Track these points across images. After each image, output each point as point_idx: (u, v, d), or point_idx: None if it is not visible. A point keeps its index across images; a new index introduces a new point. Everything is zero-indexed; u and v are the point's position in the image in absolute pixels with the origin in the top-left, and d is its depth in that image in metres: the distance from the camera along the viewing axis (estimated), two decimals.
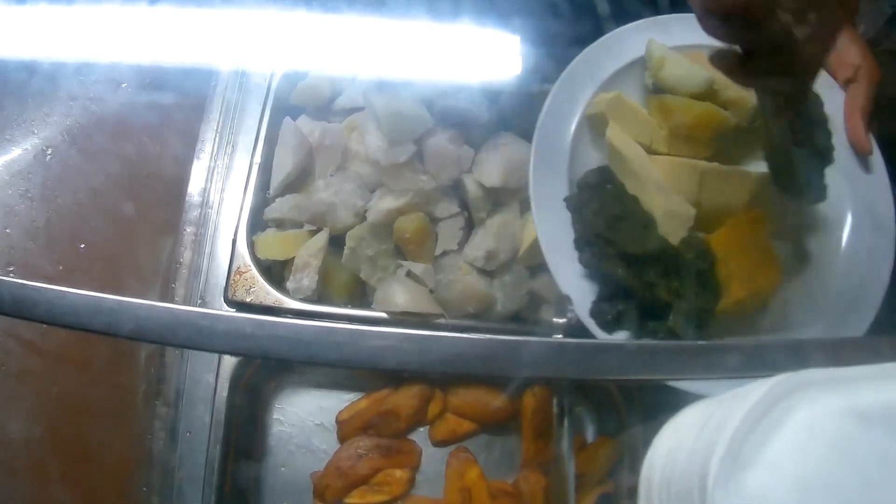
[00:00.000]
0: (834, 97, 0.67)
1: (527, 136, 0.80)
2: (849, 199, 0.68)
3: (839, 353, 0.48)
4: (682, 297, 0.60)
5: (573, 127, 0.67)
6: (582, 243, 0.63)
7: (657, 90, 0.67)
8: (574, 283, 0.63)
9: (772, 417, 0.35)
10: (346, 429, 0.80)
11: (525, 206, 0.80)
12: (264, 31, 0.81)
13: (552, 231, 0.63)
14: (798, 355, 0.49)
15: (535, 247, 0.78)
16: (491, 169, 0.77)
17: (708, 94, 0.64)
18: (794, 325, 0.65)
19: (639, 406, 0.80)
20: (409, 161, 0.77)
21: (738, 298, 0.61)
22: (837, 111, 0.68)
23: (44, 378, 0.76)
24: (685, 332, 0.60)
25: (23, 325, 0.74)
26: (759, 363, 0.48)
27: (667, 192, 0.62)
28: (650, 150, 0.66)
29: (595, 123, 0.68)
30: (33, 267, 0.78)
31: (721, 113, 0.64)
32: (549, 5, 0.83)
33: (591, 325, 0.62)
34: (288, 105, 0.85)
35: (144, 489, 0.82)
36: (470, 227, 0.80)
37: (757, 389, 0.37)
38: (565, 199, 0.64)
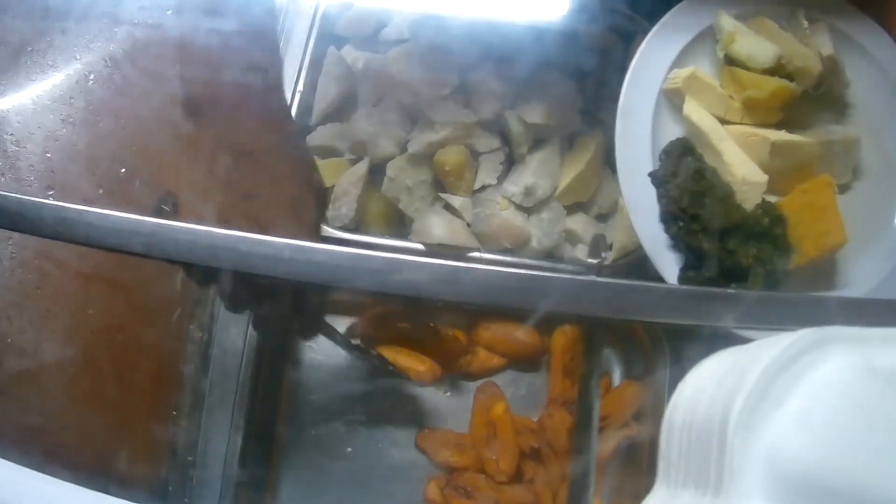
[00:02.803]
0: (893, 54, 0.70)
1: (571, 74, 0.81)
2: None
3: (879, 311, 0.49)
4: (760, 261, 0.64)
5: (653, 102, 0.69)
6: (668, 218, 0.66)
7: (729, 62, 0.69)
8: (661, 253, 0.67)
9: (794, 370, 0.35)
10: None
11: (565, 145, 0.80)
12: None
13: (640, 204, 0.67)
14: (827, 310, 0.50)
15: (573, 185, 0.79)
16: (534, 105, 0.78)
17: (776, 68, 0.67)
18: (858, 277, 0.68)
19: (666, 351, 0.81)
20: (452, 94, 0.78)
21: (810, 257, 0.65)
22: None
23: (79, 300, 0.77)
24: (761, 290, 0.64)
25: (59, 247, 0.75)
26: (789, 314, 0.49)
27: (741, 161, 0.66)
28: (723, 121, 0.69)
29: (672, 97, 0.70)
30: (73, 189, 0.79)
31: (790, 86, 0.67)
32: None
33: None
34: (333, 35, 0.85)
35: (174, 412, 0.83)
36: (510, 162, 0.80)
37: (781, 341, 0.37)
38: (650, 174, 0.67)
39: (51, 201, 0.50)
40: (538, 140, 0.80)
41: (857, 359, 0.36)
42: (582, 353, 0.80)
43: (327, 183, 0.79)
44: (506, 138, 0.80)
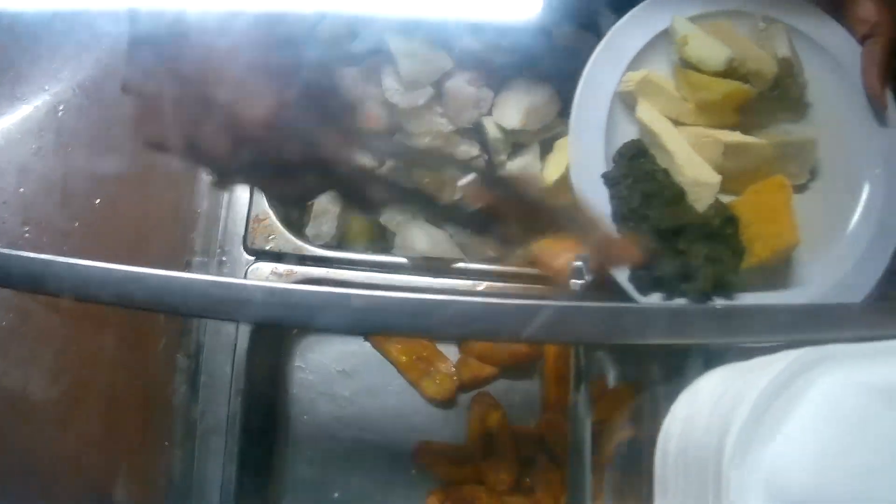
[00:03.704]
0: (852, 53, 0.69)
1: (547, 77, 0.79)
2: (867, 154, 0.69)
3: (855, 318, 0.49)
4: (711, 261, 0.64)
5: (607, 105, 0.69)
6: (619, 218, 0.66)
7: (684, 65, 0.68)
8: None
9: (790, 392, 0.35)
10: None
11: (545, 148, 0.79)
12: None
13: (593, 205, 0.66)
14: (815, 319, 0.49)
15: (554, 189, 0.77)
16: (511, 111, 0.76)
17: (729, 71, 0.66)
18: (813, 278, 0.67)
19: (660, 352, 0.80)
20: (428, 104, 0.77)
21: (762, 258, 0.64)
22: (854, 69, 0.70)
23: (63, 336, 0.75)
24: (713, 291, 0.64)
25: None
26: (775, 325, 0.48)
27: (693, 162, 0.66)
28: (678, 123, 0.68)
29: (627, 100, 0.69)
30: (49, 225, 0.77)
31: (743, 88, 0.66)
32: None
33: (629, 288, 0.65)
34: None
35: (167, 443, 0.82)
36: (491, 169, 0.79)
37: (775, 363, 0.37)
38: (603, 175, 0.67)
39: (16, 252, 0.49)
40: (517, 145, 0.78)
41: (859, 376, 0.36)
42: (575, 358, 0.79)
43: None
44: (485, 145, 0.79)
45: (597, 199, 0.66)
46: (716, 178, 0.65)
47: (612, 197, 0.66)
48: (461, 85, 0.77)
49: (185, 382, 0.81)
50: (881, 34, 0.69)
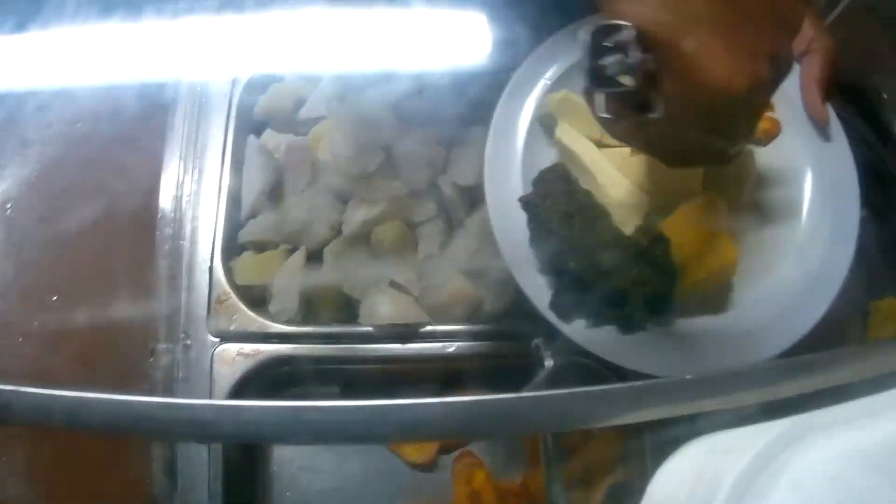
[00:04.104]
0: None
1: None
2: (809, 171, 0.69)
3: (830, 366, 0.47)
4: (640, 283, 0.61)
5: (525, 129, 0.68)
6: (537, 240, 0.63)
7: None
8: (532, 280, 0.64)
9: (770, 471, 0.34)
10: None
11: None
12: (218, 49, 0.78)
13: (509, 231, 0.64)
14: (789, 374, 0.48)
15: None
16: (464, 167, 0.75)
17: None
18: (756, 302, 0.65)
19: None
20: (380, 169, 0.75)
21: (695, 281, 0.62)
22: (793, 85, 0.69)
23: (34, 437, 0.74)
24: (643, 317, 0.61)
25: None
26: (748, 387, 0.47)
27: (617, 183, 0.63)
28: (601, 144, 0.66)
29: (546, 123, 0.68)
30: (9, 325, 0.76)
31: None
32: None
33: (550, 317, 0.62)
34: (252, 120, 0.83)
35: None
36: (450, 228, 0.78)
37: (755, 440, 0.36)
38: (520, 199, 0.64)
39: None
40: (474, 201, 0.77)
41: (835, 448, 0.35)
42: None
43: (267, 278, 0.77)
44: (442, 205, 0.77)
45: (514, 226, 0.64)
46: (642, 199, 0.63)
47: (530, 220, 0.64)
48: (412, 146, 0.75)
49: (163, 471, 0.80)
50: (817, 50, 0.68)
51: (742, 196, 0.68)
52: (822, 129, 0.69)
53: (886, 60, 0.85)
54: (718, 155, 0.51)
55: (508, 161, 0.67)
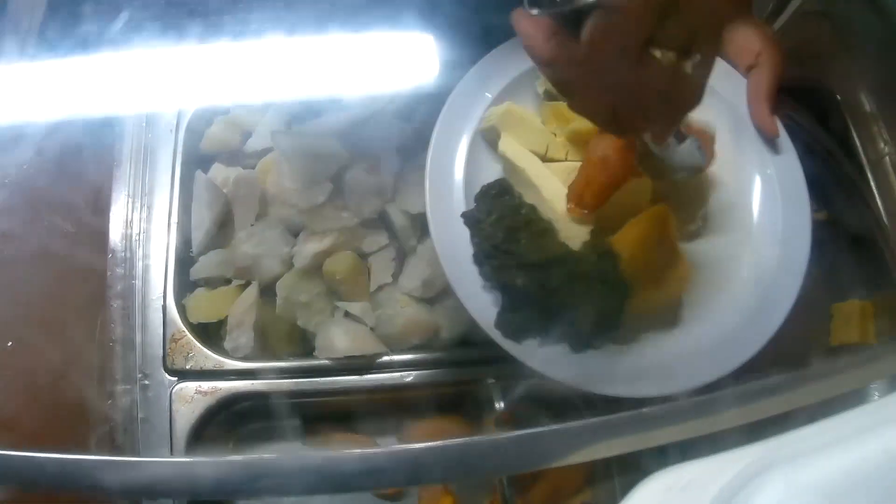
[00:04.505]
0: (737, 84, 0.68)
1: None
2: (759, 184, 0.68)
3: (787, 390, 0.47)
4: (589, 300, 0.59)
5: (467, 144, 0.66)
6: (481, 257, 0.62)
7: (550, 97, 0.65)
8: (477, 299, 0.62)
9: None
10: None
11: None
12: (163, 82, 0.77)
13: (452, 248, 0.62)
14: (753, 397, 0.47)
15: None
16: (413, 194, 0.74)
17: None
18: (710, 317, 0.64)
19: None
20: (329, 200, 0.75)
21: (646, 296, 0.60)
22: (740, 98, 0.68)
23: None
24: (593, 334, 0.60)
25: None
26: (708, 417, 0.46)
27: (563, 197, 0.62)
28: (546, 158, 0.65)
29: (490, 137, 0.66)
30: None
31: None
32: (457, 19, 0.78)
33: (496, 336, 0.61)
34: (199, 155, 0.82)
35: None
36: (402, 256, 0.77)
37: (715, 478, 0.35)
38: (462, 215, 0.63)
39: None
40: (425, 228, 0.76)
41: (795, 482, 0.33)
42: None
43: (220, 315, 0.76)
44: (393, 233, 0.76)
45: (456, 243, 0.63)
46: (589, 215, 0.61)
47: (473, 236, 0.63)
48: (360, 176, 0.74)
49: None
50: (765, 63, 0.67)
51: (695, 216, 0.67)
52: (772, 142, 0.69)
53: (840, 63, 0.84)
54: (652, 116, 0.50)
55: (450, 177, 0.65)
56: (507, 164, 0.65)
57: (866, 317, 0.79)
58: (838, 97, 0.85)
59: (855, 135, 0.85)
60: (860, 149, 0.85)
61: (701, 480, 0.36)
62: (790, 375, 0.55)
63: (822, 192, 0.85)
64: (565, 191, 0.63)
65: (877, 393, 0.56)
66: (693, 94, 0.48)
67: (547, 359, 0.61)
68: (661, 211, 0.62)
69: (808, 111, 0.84)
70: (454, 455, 0.48)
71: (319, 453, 0.47)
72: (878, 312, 0.79)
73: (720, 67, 0.68)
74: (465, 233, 0.63)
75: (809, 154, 0.84)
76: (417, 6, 0.76)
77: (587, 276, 0.60)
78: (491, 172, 0.67)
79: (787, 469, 0.34)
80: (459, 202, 0.64)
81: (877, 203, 0.84)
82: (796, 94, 0.83)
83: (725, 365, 0.61)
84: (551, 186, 0.64)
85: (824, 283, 0.83)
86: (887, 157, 0.84)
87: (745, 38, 0.68)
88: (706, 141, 0.66)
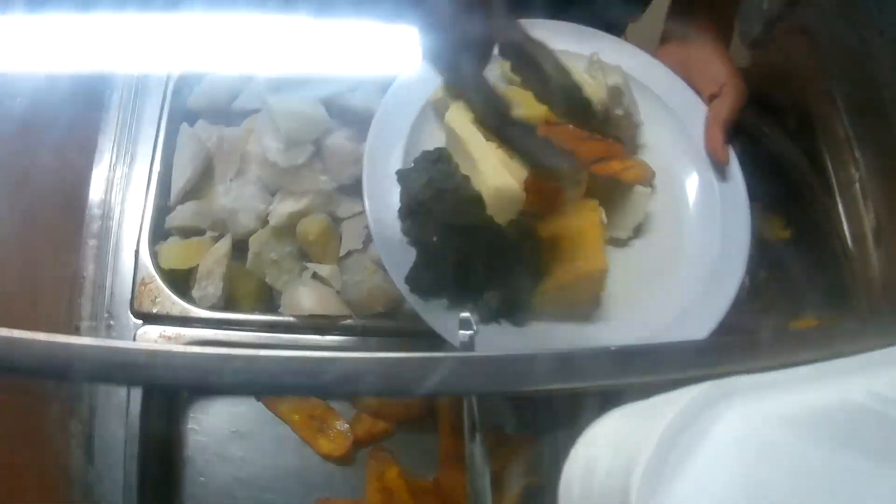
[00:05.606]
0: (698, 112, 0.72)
1: None
2: (701, 208, 0.71)
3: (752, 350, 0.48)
4: (502, 275, 0.61)
5: (416, 111, 0.69)
6: (405, 213, 0.63)
7: (508, 81, 0.68)
8: (393, 252, 0.64)
9: (695, 429, 0.34)
10: None
11: None
12: (156, 36, 0.79)
13: (380, 205, 0.64)
14: (714, 355, 0.48)
15: None
16: None
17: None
18: (628, 324, 0.66)
19: (556, 396, 0.79)
20: (308, 162, 0.76)
21: (561, 282, 0.62)
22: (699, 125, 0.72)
23: None
24: (501, 309, 0.62)
25: None
26: (673, 363, 0.47)
27: (497, 173, 0.62)
28: (491, 137, 0.66)
29: (441, 108, 0.68)
30: None
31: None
32: None
33: (404, 290, 0.62)
34: (186, 110, 0.84)
35: None
36: None
37: (678, 401, 0.35)
38: (397, 172, 0.65)
39: None
40: None
41: (766, 407, 0.34)
42: (468, 409, 0.79)
43: (191, 263, 0.78)
44: None
45: (387, 202, 0.64)
46: (519, 194, 0.61)
47: (403, 193, 0.64)
48: (341, 142, 0.76)
49: (80, 447, 0.80)
50: (727, 94, 0.72)
51: (627, 226, 0.70)
52: (721, 169, 0.71)
53: (815, 81, 0.87)
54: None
55: (393, 139, 0.67)
56: (451, 134, 0.66)
57: None
58: (814, 118, 0.88)
59: (828, 157, 0.87)
60: (832, 171, 0.87)
61: (659, 409, 0.36)
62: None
63: (790, 210, 0.87)
64: (501, 169, 0.63)
65: None
66: None
67: (449, 323, 0.62)
68: (592, 207, 0.64)
69: (782, 129, 0.87)
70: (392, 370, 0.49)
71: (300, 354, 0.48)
72: None
73: (685, 93, 0.72)
74: (397, 192, 0.65)
75: (780, 172, 0.87)
76: None
77: (505, 251, 0.62)
78: (435, 142, 0.69)
79: (749, 398, 0.34)
80: (397, 164, 0.66)
81: (843, 226, 0.86)
82: (772, 111, 0.86)
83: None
84: (488, 161, 0.63)
85: (785, 300, 0.85)
86: (857, 184, 0.86)
87: (713, 70, 0.73)
88: (646, 176, 0.69)
